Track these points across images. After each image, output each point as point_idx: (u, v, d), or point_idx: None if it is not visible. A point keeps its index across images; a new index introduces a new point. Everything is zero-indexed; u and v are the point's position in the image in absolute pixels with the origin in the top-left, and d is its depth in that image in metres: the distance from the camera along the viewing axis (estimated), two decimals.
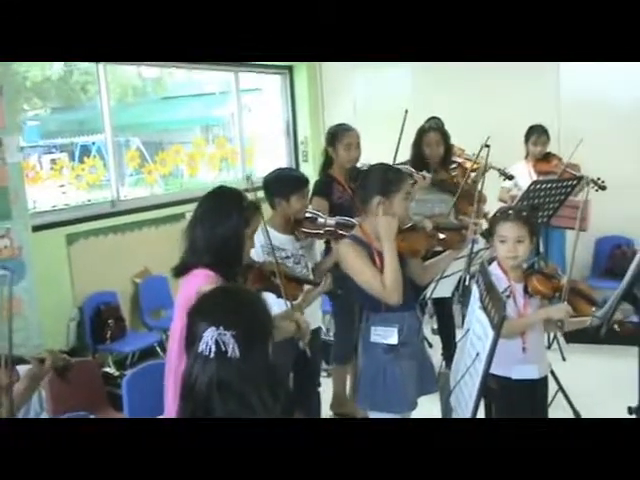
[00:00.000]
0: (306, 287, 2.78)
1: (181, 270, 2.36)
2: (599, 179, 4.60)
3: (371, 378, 2.57)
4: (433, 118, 5.16)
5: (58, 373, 2.21)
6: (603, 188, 4.58)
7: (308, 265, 3.18)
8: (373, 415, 2.63)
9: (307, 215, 3.14)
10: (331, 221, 3.18)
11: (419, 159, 4.15)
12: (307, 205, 3.12)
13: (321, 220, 3.18)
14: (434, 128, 4.19)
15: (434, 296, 3.48)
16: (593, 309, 2.56)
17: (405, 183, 2.62)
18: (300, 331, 2.52)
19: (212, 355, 1.42)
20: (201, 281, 2.23)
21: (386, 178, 2.58)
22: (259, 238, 2.90)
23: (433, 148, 4.13)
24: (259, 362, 1.47)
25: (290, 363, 3.06)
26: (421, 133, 4.19)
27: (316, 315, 3.28)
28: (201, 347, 1.43)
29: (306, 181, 3.14)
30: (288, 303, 2.55)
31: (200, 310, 1.52)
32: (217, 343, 1.41)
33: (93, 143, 5.75)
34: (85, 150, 5.72)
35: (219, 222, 2.30)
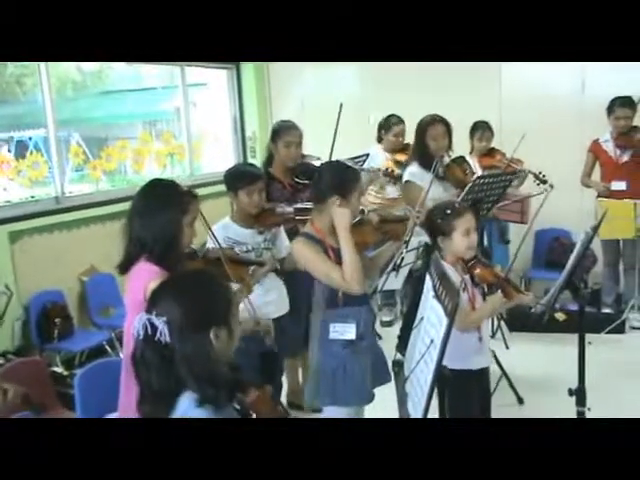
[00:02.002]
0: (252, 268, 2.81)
1: (125, 265, 2.38)
2: (540, 173, 4.77)
3: (331, 374, 2.57)
4: (392, 116, 5.21)
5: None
6: (544, 182, 4.74)
7: (273, 258, 3.21)
8: (331, 410, 2.64)
9: (265, 207, 3.18)
10: (289, 208, 3.24)
11: (424, 153, 3.91)
12: (259, 200, 3.13)
13: (279, 209, 3.24)
14: (439, 120, 3.92)
15: (385, 288, 3.55)
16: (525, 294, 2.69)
17: (360, 182, 2.65)
18: (261, 327, 2.60)
19: (140, 337, 1.56)
20: (147, 276, 2.24)
21: (344, 177, 2.60)
22: (219, 233, 2.92)
23: (439, 141, 3.89)
24: (192, 349, 1.56)
25: (257, 349, 3.10)
26: (425, 125, 3.92)
27: (284, 303, 3.31)
28: (133, 330, 1.58)
29: (256, 177, 3.15)
30: (235, 285, 2.57)
31: (149, 299, 1.65)
32: (145, 326, 1.54)
33: (30, 138, 5.59)
34: (21, 145, 5.56)
35: (156, 213, 2.33)
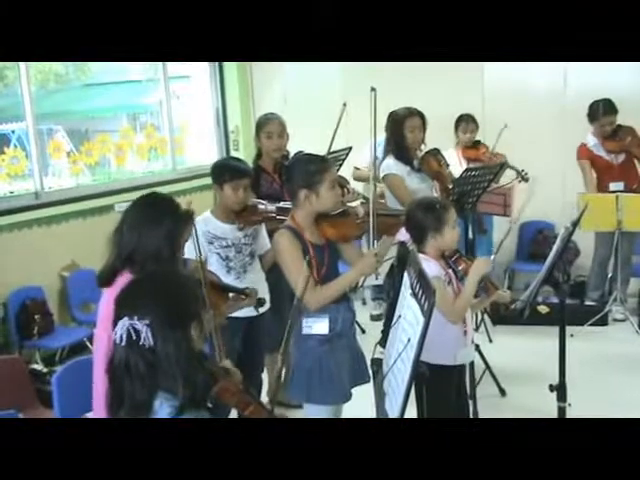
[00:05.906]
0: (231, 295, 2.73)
1: (107, 278, 2.24)
2: (523, 170, 4.73)
3: (306, 371, 2.55)
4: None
5: None
6: (526, 180, 4.69)
7: (253, 254, 3.17)
8: (308, 407, 2.63)
9: (248, 204, 3.13)
10: (272, 207, 3.19)
11: (400, 146, 3.89)
12: (244, 197, 3.09)
13: (261, 207, 3.20)
14: (415, 112, 3.93)
15: (366, 284, 3.54)
16: (502, 290, 2.71)
17: (328, 172, 2.56)
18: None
19: (123, 344, 1.53)
20: None
21: (308, 170, 2.55)
22: (200, 226, 2.87)
23: (416, 134, 3.89)
24: (175, 348, 1.56)
25: (237, 343, 3.08)
26: (403, 118, 3.90)
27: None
28: (114, 336, 1.55)
29: (244, 173, 3.10)
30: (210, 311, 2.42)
31: (119, 302, 1.63)
32: (128, 332, 1.52)
33: (13, 132, 5.52)
34: (4, 139, 5.48)
35: (150, 230, 2.20)
